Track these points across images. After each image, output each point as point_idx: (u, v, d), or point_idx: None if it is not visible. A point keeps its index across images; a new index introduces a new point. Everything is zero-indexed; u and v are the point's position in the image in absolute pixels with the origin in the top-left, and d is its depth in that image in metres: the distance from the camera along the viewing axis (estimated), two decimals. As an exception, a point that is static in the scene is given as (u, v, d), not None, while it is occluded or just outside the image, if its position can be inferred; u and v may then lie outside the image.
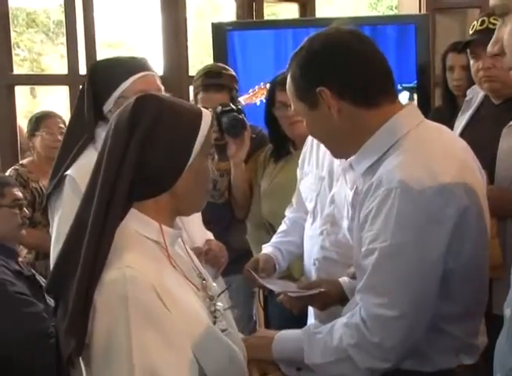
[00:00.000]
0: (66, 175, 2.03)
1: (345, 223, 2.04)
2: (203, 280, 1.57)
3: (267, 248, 2.33)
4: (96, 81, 2.09)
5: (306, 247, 2.24)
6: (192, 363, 1.35)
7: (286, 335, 1.64)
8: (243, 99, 3.51)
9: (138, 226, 1.43)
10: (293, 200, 2.44)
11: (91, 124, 2.08)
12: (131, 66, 2.10)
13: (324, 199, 2.17)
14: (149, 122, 1.43)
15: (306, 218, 2.29)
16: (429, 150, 1.48)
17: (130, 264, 1.33)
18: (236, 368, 1.47)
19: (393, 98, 1.57)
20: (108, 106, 2.08)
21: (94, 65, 2.15)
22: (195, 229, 2.15)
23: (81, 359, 1.38)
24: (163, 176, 1.43)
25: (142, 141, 1.41)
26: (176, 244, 1.54)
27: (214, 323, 1.47)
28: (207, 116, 1.49)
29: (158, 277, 1.36)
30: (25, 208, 2.60)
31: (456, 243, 1.42)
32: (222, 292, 1.61)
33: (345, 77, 1.52)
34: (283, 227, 2.42)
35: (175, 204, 1.47)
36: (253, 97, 3.60)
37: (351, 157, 1.60)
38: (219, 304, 1.54)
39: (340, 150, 1.64)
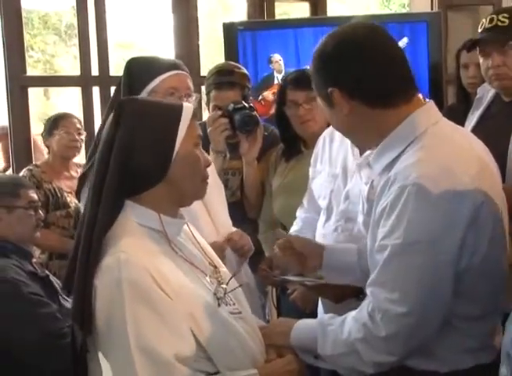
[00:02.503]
0: None
1: (360, 218, 2.05)
2: (215, 267, 1.66)
3: None
4: (132, 74, 2.15)
5: (319, 245, 2.23)
6: (187, 338, 1.44)
7: (304, 325, 1.67)
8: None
9: (138, 218, 1.53)
10: (304, 200, 2.44)
11: None
12: (166, 63, 2.18)
13: (338, 195, 2.17)
14: (130, 120, 1.53)
15: (317, 218, 2.29)
16: (447, 149, 1.48)
17: (124, 249, 1.44)
18: (242, 349, 1.53)
19: (411, 96, 1.56)
20: None
21: (131, 59, 2.22)
22: (221, 219, 2.22)
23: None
24: (151, 169, 1.52)
25: (124, 138, 1.51)
26: (183, 234, 1.63)
27: (219, 305, 1.55)
28: (187, 108, 1.58)
29: (153, 260, 1.46)
30: (40, 211, 2.62)
31: (470, 241, 1.42)
32: (232, 277, 1.68)
33: (356, 78, 1.53)
34: (294, 227, 2.42)
35: (173, 194, 1.56)
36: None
37: (370, 157, 1.63)
38: (223, 286, 1.60)
39: (361, 143, 1.71)
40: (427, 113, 1.56)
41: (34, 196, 2.60)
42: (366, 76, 1.52)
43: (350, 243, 2.04)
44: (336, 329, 1.56)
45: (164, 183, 1.53)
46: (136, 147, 1.50)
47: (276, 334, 1.68)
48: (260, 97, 3.79)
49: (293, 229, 2.43)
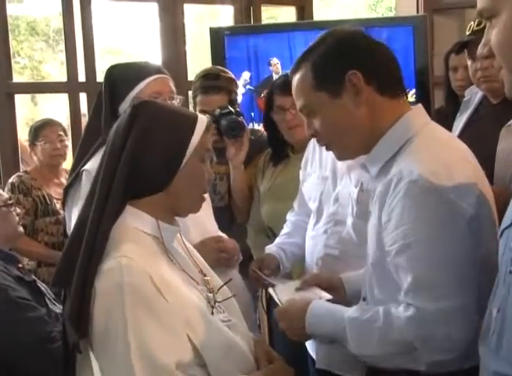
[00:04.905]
0: (83, 170, 2.11)
1: (350, 220, 2.05)
2: (205, 275, 1.66)
3: (271, 248, 2.34)
4: (114, 82, 2.16)
5: (308, 248, 2.23)
6: (185, 344, 1.43)
7: (320, 312, 1.66)
8: None
9: (136, 223, 1.51)
10: (295, 204, 2.44)
11: (107, 124, 2.11)
12: (147, 68, 2.19)
13: (328, 198, 2.17)
14: (145, 123, 1.51)
15: (308, 221, 2.29)
16: (442, 148, 1.52)
17: (126, 253, 1.42)
18: (235, 355, 1.53)
19: (405, 93, 1.62)
20: (124, 106, 2.11)
21: (112, 67, 2.23)
22: (207, 224, 2.23)
23: (89, 349, 1.45)
24: (157, 175, 1.51)
25: (137, 141, 1.49)
26: (176, 241, 1.63)
27: (212, 313, 1.54)
28: (202, 120, 1.56)
29: (153, 265, 1.45)
30: (15, 207, 2.67)
31: (475, 232, 1.44)
32: (222, 286, 1.68)
33: (373, 62, 1.57)
34: (285, 230, 2.42)
35: (171, 204, 1.55)
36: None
37: (365, 157, 1.62)
38: (213, 295, 1.61)
39: (348, 148, 1.65)
40: (419, 115, 1.60)
41: (4, 193, 2.66)
42: (380, 61, 1.58)
43: (339, 245, 2.07)
44: (381, 328, 1.50)
45: (165, 192, 1.52)
46: (147, 151, 1.49)
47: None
48: (262, 95, 3.84)
49: (284, 232, 2.43)
